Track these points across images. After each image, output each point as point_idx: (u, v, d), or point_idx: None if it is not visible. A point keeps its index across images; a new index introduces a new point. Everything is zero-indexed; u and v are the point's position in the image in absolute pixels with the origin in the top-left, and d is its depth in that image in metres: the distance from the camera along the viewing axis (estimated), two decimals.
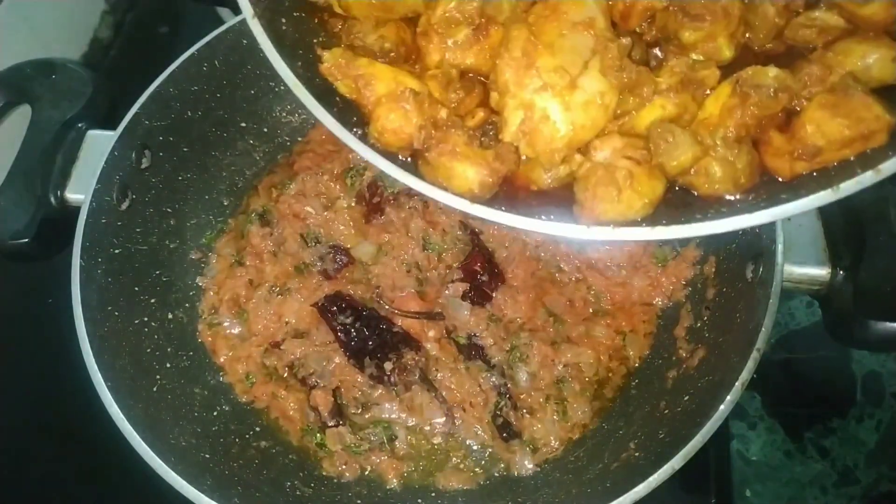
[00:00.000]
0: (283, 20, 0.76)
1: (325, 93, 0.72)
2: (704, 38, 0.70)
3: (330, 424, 1.09)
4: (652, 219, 0.69)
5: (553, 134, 0.68)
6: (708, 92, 0.72)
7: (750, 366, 0.90)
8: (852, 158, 0.67)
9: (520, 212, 0.70)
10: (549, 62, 0.67)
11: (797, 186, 0.68)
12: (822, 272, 1.00)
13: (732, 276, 1.07)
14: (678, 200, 0.71)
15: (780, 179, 0.70)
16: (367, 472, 1.09)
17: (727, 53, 0.71)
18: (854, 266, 0.98)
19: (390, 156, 0.71)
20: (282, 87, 1.34)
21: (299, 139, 1.38)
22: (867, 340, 0.97)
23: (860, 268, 0.97)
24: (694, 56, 0.72)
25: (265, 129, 1.35)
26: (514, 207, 0.70)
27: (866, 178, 0.65)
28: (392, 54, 0.77)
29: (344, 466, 1.08)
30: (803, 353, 1.56)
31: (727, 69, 0.72)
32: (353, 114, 0.73)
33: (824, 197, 0.65)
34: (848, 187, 0.65)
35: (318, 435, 1.10)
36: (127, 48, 1.77)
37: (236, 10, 1.29)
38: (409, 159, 0.72)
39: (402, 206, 1.24)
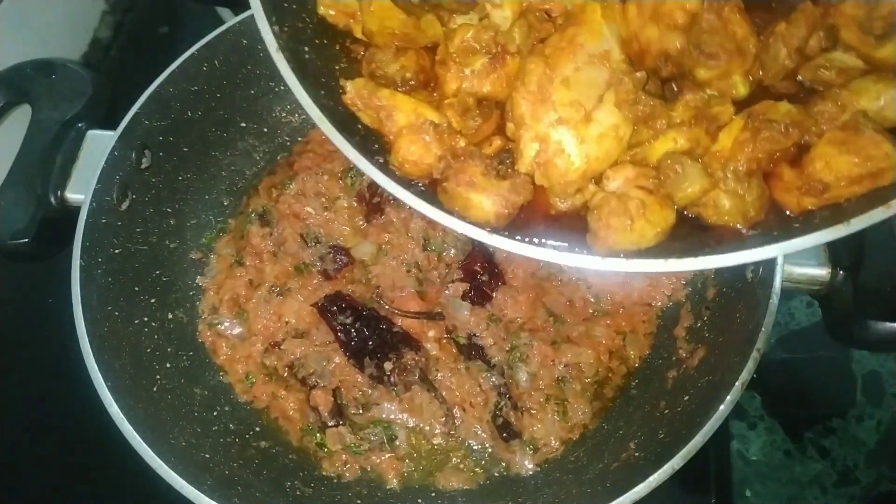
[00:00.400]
0: (306, 49, 0.77)
1: (348, 121, 0.74)
2: (720, 75, 0.71)
3: (330, 424, 1.09)
4: (664, 248, 0.70)
5: (568, 166, 0.69)
6: (721, 126, 0.72)
7: (750, 366, 0.90)
8: (862, 195, 0.67)
9: (535, 240, 0.71)
10: (565, 96, 0.69)
11: (807, 220, 0.69)
12: (822, 272, 1.00)
13: (732, 276, 1.07)
14: (689, 230, 0.72)
15: (789, 214, 0.70)
16: (367, 472, 1.09)
17: (742, 90, 0.72)
18: (854, 266, 0.98)
19: (410, 184, 0.73)
20: (282, 87, 1.34)
21: (299, 139, 1.38)
22: (867, 340, 0.97)
23: (860, 268, 0.97)
24: (709, 91, 0.72)
25: (265, 129, 1.35)
26: (530, 233, 0.72)
27: (877, 214, 0.64)
28: (412, 82, 0.78)
29: (345, 467, 1.08)
30: (803, 353, 1.56)
31: (742, 104, 0.72)
32: (374, 142, 0.75)
33: (835, 231, 0.65)
34: (859, 222, 0.65)
35: (318, 435, 1.10)
36: (127, 48, 1.77)
37: (236, 10, 1.29)
38: (424, 188, 0.74)
39: (402, 206, 1.23)
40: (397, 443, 1.10)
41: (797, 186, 0.68)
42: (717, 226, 0.71)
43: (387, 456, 1.09)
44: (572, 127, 0.68)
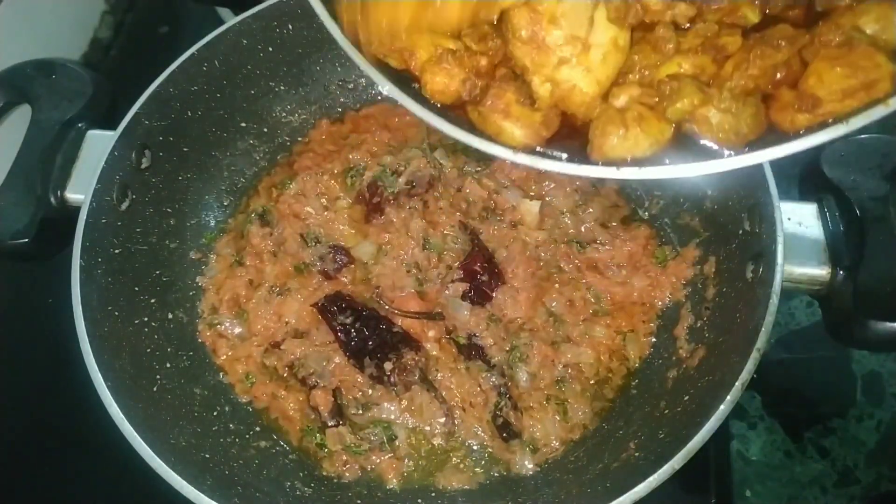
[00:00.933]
0: None
1: (380, 67, 0.78)
2: (728, 12, 0.72)
3: (330, 424, 1.09)
4: (660, 160, 0.73)
5: (583, 97, 0.73)
6: (728, 56, 0.73)
7: (750, 366, 0.90)
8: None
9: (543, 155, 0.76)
10: (558, 35, 0.71)
11: (804, 135, 0.69)
12: (822, 272, 1.00)
13: (732, 275, 1.07)
14: (689, 151, 0.74)
15: (786, 133, 0.71)
16: (367, 472, 1.09)
17: (753, 18, 0.73)
18: (854, 266, 0.98)
19: (445, 113, 0.77)
20: (282, 88, 1.35)
21: (299, 139, 1.38)
22: (867, 340, 0.97)
23: (860, 268, 0.97)
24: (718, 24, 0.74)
25: (265, 129, 1.35)
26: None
27: (876, 112, 0.65)
28: None
29: (344, 467, 1.08)
30: (803, 353, 1.55)
31: (754, 30, 0.73)
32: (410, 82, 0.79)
33: (834, 131, 0.67)
34: (857, 121, 0.66)
35: (318, 435, 1.10)
36: (127, 48, 1.78)
37: (236, 11, 1.29)
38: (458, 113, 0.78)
39: (402, 206, 1.23)
40: (397, 443, 1.10)
41: (791, 104, 0.69)
42: (714, 143, 0.73)
43: (387, 456, 1.09)
44: (575, 63, 0.71)
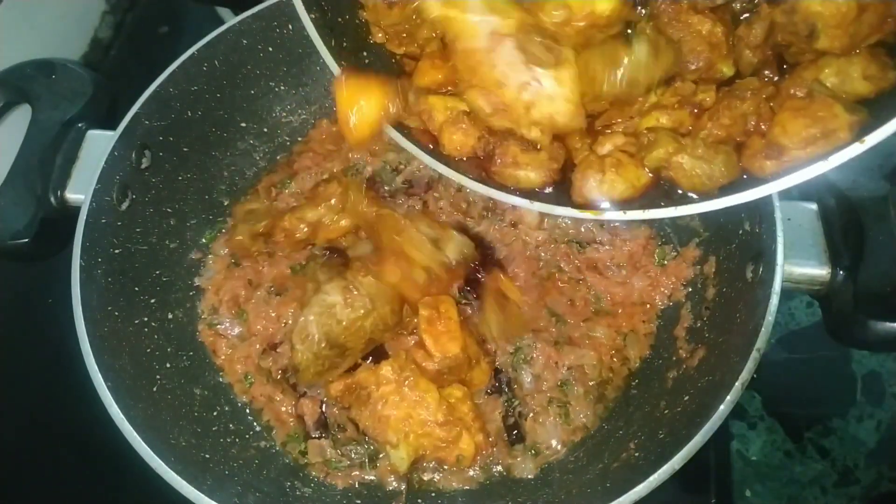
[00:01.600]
0: (366, 59, 0.91)
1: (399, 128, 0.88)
2: (705, 70, 0.78)
3: (313, 436, 1.08)
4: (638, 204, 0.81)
5: (565, 118, 0.79)
6: (705, 110, 0.81)
7: (750, 366, 0.89)
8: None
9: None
10: (510, 92, 0.78)
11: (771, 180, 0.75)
12: (822, 272, 1.00)
13: (732, 276, 1.07)
14: (665, 196, 0.81)
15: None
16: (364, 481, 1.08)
17: (728, 72, 0.79)
18: (854, 266, 0.98)
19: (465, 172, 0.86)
20: (282, 88, 1.35)
21: (299, 139, 1.38)
22: (867, 340, 0.97)
23: (860, 268, 0.97)
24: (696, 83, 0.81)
25: (265, 129, 1.35)
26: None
27: (853, 150, 0.70)
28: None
29: (327, 478, 1.08)
30: (803, 353, 1.56)
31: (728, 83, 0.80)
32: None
33: (812, 171, 0.72)
34: (837, 159, 0.70)
35: (302, 444, 1.10)
36: (127, 48, 1.77)
37: (236, 10, 1.29)
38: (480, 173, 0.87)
39: (399, 204, 1.23)
40: (377, 463, 1.08)
41: (760, 151, 0.75)
42: (690, 190, 0.79)
43: (367, 476, 1.08)
44: (538, 98, 0.78)
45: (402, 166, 1.25)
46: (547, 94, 0.76)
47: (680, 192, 0.80)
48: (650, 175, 0.81)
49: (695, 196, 0.79)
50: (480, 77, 0.78)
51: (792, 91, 0.75)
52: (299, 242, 1.17)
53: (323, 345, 1.00)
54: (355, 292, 1.01)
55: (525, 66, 0.75)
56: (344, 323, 1.01)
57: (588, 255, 1.21)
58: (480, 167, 0.86)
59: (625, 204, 0.81)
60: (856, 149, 0.69)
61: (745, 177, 0.78)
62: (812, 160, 0.71)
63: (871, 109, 0.72)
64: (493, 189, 0.85)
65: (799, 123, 0.72)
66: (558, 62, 0.75)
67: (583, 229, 1.23)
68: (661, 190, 0.81)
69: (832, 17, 0.70)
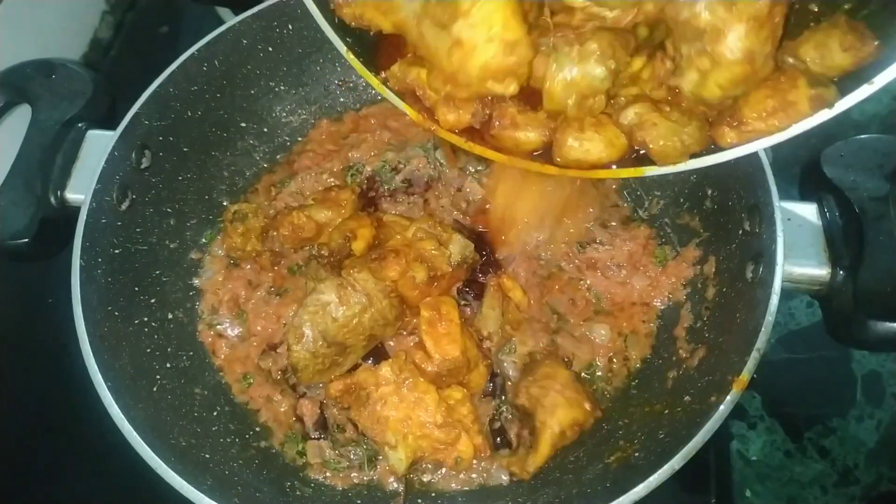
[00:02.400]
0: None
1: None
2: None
3: (312, 436, 1.08)
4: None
5: (518, 65, 0.75)
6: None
7: (750, 366, 0.89)
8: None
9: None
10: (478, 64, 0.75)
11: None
12: (822, 272, 1.00)
13: (732, 276, 1.07)
14: (637, 163, 0.82)
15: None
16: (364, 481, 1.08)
17: None
18: (854, 266, 0.98)
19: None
20: (282, 87, 1.35)
21: (299, 139, 1.38)
22: (867, 341, 0.97)
23: (860, 268, 0.97)
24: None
25: (265, 129, 1.35)
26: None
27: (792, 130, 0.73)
28: None
29: (325, 478, 1.07)
30: (803, 353, 1.55)
31: None
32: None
33: (752, 147, 0.75)
34: (799, 127, 0.72)
35: (300, 444, 1.09)
36: (127, 48, 1.78)
37: (236, 10, 1.29)
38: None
39: (398, 202, 1.23)
40: (376, 464, 1.08)
41: (723, 120, 0.76)
42: (660, 156, 0.80)
43: (365, 477, 1.07)
44: (463, 42, 0.74)
45: (401, 165, 1.25)
46: (470, 46, 0.73)
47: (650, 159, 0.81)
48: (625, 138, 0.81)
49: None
50: (428, 59, 0.78)
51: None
52: (302, 240, 1.17)
53: (320, 343, 1.00)
54: (349, 289, 1.01)
55: (441, 30, 0.73)
56: (340, 320, 1.00)
57: (588, 254, 1.21)
58: (479, 135, 0.85)
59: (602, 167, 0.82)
60: (812, 121, 0.71)
61: (712, 146, 0.79)
62: (772, 131, 0.73)
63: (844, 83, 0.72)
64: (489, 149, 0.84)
65: (760, 94, 0.72)
66: (460, 12, 0.72)
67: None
68: (635, 159, 0.82)
69: None
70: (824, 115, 0.71)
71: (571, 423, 1.01)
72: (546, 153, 0.84)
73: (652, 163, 0.81)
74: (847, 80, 0.71)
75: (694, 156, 0.79)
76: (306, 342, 1.01)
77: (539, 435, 1.00)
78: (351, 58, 0.86)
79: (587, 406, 1.03)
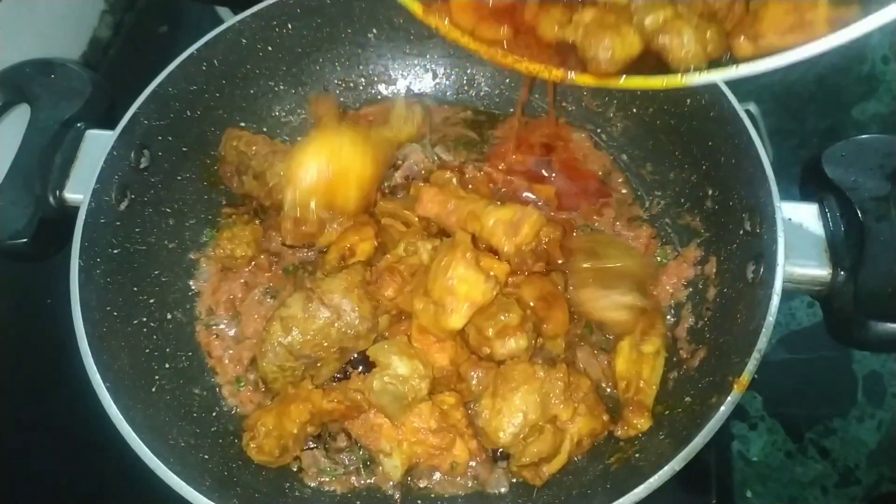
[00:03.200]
0: None
1: None
2: None
3: (305, 447, 1.06)
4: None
5: None
6: None
7: (751, 366, 0.89)
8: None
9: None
10: None
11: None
12: (823, 273, 1.00)
13: (733, 276, 1.06)
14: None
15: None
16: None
17: None
18: (855, 267, 0.97)
19: None
20: (282, 87, 1.34)
21: (299, 139, 1.38)
22: (868, 341, 0.97)
23: (861, 268, 0.97)
24: None
25: (265, 129, 1.35)
26: None
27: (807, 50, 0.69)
28: None
29: (321, 483, 1.07)
30: (804, 354, 1.55)
31: None
32: None
33: (769, 63, 0.72)
34: (790, 56, 0.70)
35: None
36: (126, 48, 1.77)
37: (236, 10, 1.29)
38: None
39: (400, 200, 1.23)
40: (373, 467, 1.07)
41: (744, 34, 0.74)
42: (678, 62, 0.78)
43: (363, 480, 1.07)
44: None
45: (399, 162, 1.25)
46: None
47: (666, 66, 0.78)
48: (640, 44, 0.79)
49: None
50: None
51: None
52: (304, 235, 1.16)
53: (287, 357, 1.00)
54: (316, 302, 1.00)
55: None
56: (308, 336, 1.00)
57: None
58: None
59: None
60: (829, 41, 0.67)
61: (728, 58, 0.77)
62: (788, 48, 0.70)
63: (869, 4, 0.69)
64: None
65: (780, 9, 0.71)
66: None
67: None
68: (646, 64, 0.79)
69: None
70: (843, 37, 0.67)
71: (590, 433, 1.00)
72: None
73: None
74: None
75: (713, 65, 0.76)
76: (273, 356, 1.01)
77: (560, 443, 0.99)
78: None
79: (605, 418, 1.02)
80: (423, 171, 1.24)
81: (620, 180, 1.28)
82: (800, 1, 0.70)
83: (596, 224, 1.23)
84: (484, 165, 1.25)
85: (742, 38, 0.74)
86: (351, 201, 1.08)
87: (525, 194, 1.21)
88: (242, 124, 1.31)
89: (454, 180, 1.15)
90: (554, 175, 1.24)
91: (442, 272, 0.96)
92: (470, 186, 1.18)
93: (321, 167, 1.04)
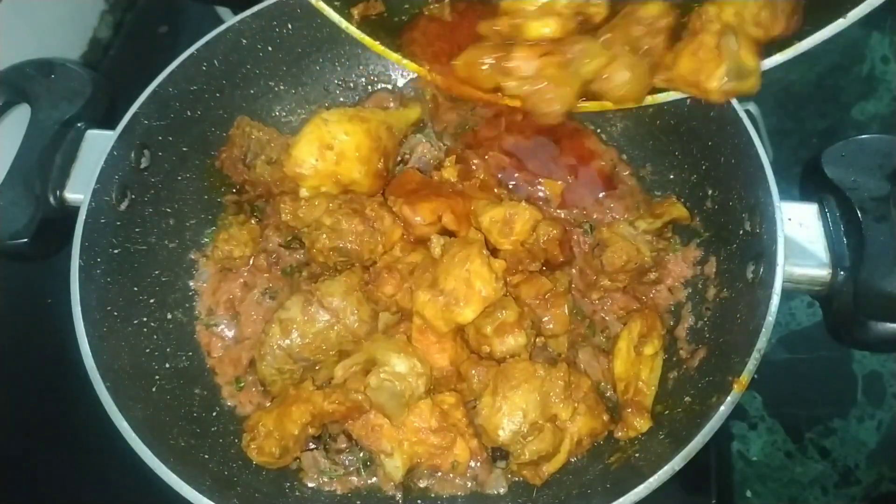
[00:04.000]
0: None
1: None
2: None
3: (305, 448, 1.06)
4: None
5: None
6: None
7: (751, 366, 0.89)
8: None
9: None
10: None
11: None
12: (822, 273, 1.00)
13: (733, 276, 1.06)
14: None
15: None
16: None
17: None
18: (855, 267, 0.97)
19: None
20: (281, 87, 1.34)
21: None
22: (868, 341, 0.97)
23: (861, 269, 0.97)
24: None
25: None
26: None
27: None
28: None
29: (322, 483, 1.06)
30: (804, 354, 1.55)
31: None
32: None
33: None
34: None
35: None
36: (126, 48, 1.77)
37: (236, 10, 1.29)
38: None
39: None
40: (373, 468, 1.07)
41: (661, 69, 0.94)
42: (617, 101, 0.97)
43: (364, 481, 1.07)
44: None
45: (406, 155, 1.24)
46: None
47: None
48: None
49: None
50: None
51: (698, 24, 0.89)
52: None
53: (286, 360, 1.01)
54: (315, 305, 1.00)
55: None
56: (307, 339, 1.00)
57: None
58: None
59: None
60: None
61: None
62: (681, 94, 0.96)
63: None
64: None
65: (688, 63, 0.89)
66: None
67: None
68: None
69: None
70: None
71: (590, 433, 1.00)
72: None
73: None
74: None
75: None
76: (272, 359, 1.01)
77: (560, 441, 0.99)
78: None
79: (605, 418, 1.02)
80: (432, 161, 1.23)
81: (627, 173, 1.27)
82: (706, 62, 0.85)
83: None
84: (488, 152, 1.23)
85: (660, 73, 0.93)
86: (360, 178, 1.06)
87: (532, 188, 1.21)
88: None
89: (454, 177, 1.15)
90: (559, 157, 1.24)
91: (458, 265, 0.95)
92: (474, 179, 1.17)
93: (316, 155, 1.03)
